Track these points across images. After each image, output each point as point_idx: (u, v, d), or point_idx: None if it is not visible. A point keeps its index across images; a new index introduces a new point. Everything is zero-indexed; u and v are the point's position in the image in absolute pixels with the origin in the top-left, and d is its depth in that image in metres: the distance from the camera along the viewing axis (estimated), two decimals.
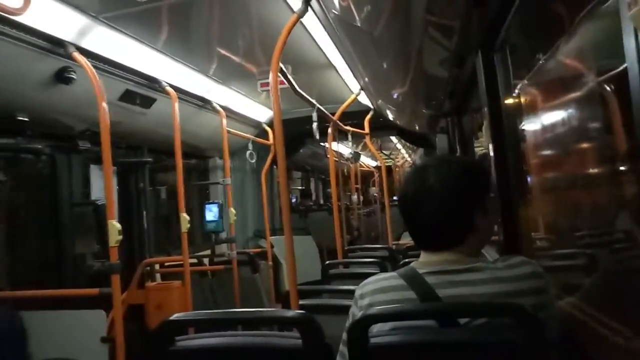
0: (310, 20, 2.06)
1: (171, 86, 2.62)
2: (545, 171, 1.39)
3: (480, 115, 2.04)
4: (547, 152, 1.34)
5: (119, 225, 1.92)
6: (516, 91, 1.52)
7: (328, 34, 2.27)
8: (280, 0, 1.87)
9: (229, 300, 3.04)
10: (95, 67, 2.01)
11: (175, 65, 2.58)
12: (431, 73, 2.05)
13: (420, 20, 1.39)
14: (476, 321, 0.86)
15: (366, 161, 8.74)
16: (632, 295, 0.79)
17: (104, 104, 1.94)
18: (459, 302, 0.88)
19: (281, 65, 1.61)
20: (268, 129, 3.81)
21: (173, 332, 0.99)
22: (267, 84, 2.90)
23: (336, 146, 3.88)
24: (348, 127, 3.47)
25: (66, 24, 1.87)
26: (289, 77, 1.89)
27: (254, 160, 3.61)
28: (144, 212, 3.26)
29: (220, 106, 3.19)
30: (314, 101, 2.27)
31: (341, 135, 3.56)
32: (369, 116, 3.64)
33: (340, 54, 2.58)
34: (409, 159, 9.13)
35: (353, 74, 2.94)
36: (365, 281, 1.00)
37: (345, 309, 1.05)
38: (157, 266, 3.14)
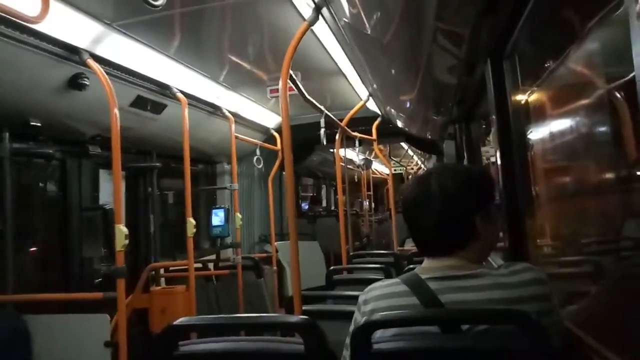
0: (321, 28, 2.08)
1: (182, 92, 2.65)
2: (552, 178, 1.38)
3: (488, 122, 2.03)
4: (554, 160, 1.33)
5: (126, 230, 1.93)
6: (525, 99, 1.51)
7: (338, 41, 2.29)
8: (291, 8, 1.89)
9: (233, 305, 3.03)
10: (108, 73, 2.04)
11: (187, 71, 2.61)
12: (440, 80, 2.04)
13: (430, 28, 1.39)
14: (478, 327, 0.86)
15: (380, 169, 8.72)
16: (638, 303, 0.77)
17: (116, 110, 1.96)
18: (463, 309, 0.88)
19: (291, 72, 1.63)
20: (276, 134, 3.83)
21: (177, 336, 0.99)
22: (277, 90, 2.92)
23: (347, 153, 3.88)
24: (356, 134, 3.47)
25: (81, 32, 1.91)
26: (299, 83, 1.90)
27: (261, 166, 3.63)
28: (151, 217, 3.28)
29: (230, 112, 3.22)
30: (322, 107, 2.28)
31: (350, 142, 3.56)
32: (377, 122, 3.64)
33: (350, 60, 2.59)
34: (423, 166, 9.08)
35: (362, 80, 2.95)
36: (369, 287, 1.01)
37: (348, 315, 1.05)
38: (162, 270, 3.15)
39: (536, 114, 1.43)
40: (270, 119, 3.91)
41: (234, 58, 2.62)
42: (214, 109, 3.18)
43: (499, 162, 1.62)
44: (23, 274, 2.58)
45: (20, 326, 2.00)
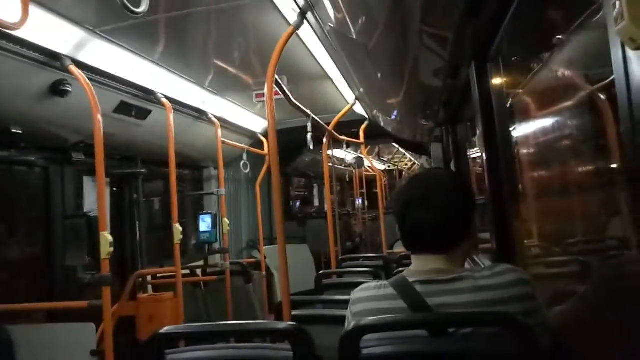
0: (306, 33, 2.08)
1: (167, 98, 2.63)
2: (537, 179, 1.40)
3: (474, 124, 2.05)
4: (539, 161, 1.35)
5: (110, 238, 1.90)
6: (509, 101, 1.53)
7: (323, 45, 2.29)
8: (276, 13, 1.89)
9: (222, 311, 3.01)
10: (90, 79, 2.02)
11: (171, 77, 2.59)
12: (426, 83, 2.06)
13: (415, 32, 1.40)
14: (464, 329, 0.87)
15: (375, 165, 8.64)
16: (624, 303, 0.79)
17: (99, 116, 1.94)
18: (451, 312, 0.88)
19: (276, 76, 1.62)
20: (263, 139, 3.82)
21: (163, 345, 0.97)
22: (263, 95, 2.91)
23: (338, 152, 3.88)
24: (343, 137, 3.48)
25: (63, 38, 1.88)
26: (284, 88, 1.90)
27: (247, 170, 3.62)
28: (137, 223, 3.24)
29: (216, 117, 3.20)
30: (308, 111, 2.29)
31: (338, 144, 3.57)
32: (364, 126, 3.66)
33: (336, 65, 2.59)
34: (417, 163, 9.06)
35: (348, 84, 2.96)
36: (359, 287, 1.02)
37: (337, 320, 1.05)
38: (149, 277, 3.11)
39: (521, 115, 1.45)
40: (257, 124, 3.90)
41: (219, 63, 2.61)
42: (199, 114, 3.16)
43: (485, 163, 1.64)
44: (6, 284, 2.52)
45: (3, 337, 1.95)
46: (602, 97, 0.84)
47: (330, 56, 2.44)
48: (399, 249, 4.43)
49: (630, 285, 0.75)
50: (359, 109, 3.46)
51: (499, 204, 1.56)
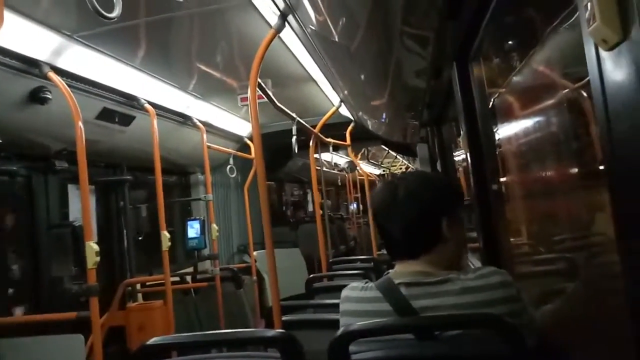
0: (288, 35, 2.07)
1: (150, 103, 2.60)
2: (521, 179, 1.41)
3: (458, 124, 2.07)
4: (523, 160, 1.36)
5: (96, 247, 1.87)
6: (491, 101, 1.54)
7: (306, 48, 2.28)
8: (258, 16, 1.88)
9: (213, 318, 2.98)
10: (71, 86, 1.98)
11: (154, 82, 2.56)
12: (409, 84, 2.07)
13: (396, 33, 1.41)
14: (450, 332, 0.87)
15: (369, 169, 8.69)
16: (608, 300, 0.79)
17: (80, 123, 1.91)
18: (438, 315, 0.89)
19: (259, 80, 1.61)
20: (250, 143, 3.80)
21: (152, 356, 0.96)
22: (247, 99, 2.90)
23: (330, 157, 3.88)
24: (330, 139, 3.48)
25: (41, 44, 1.85)
26: (268, 91, 1.89)
27: (234, 175, 3.59)
28: (125, 231, 3.20)
29: (201, 122, 3.17)
30: (293, 114, 2.28)
31: (326, 147, 3.56)
32: (350, 127, 3.66)
33: (319, 67, 2.59)
34: (411, 166, 9.10)
35: (332, 87, 2.96)
36: (348, 286, 1.04)
37: (328, 324, 1.05)
38: (138, 286, 3.07)
39: (503, 115, 1.47)
40: (243, 128, 3.88)
41: (202, 67, 2.59)
42: (184, 119, 3.13)
43: (469, 163, 1.65)
44: None
45: None
46: (584, 94, 0.85)
47: (313, 59, 2.44)
48: None
49: (610, 282, 0.76)
50: (345, 111, 3.47)
51: (484, 203, 1.58)
